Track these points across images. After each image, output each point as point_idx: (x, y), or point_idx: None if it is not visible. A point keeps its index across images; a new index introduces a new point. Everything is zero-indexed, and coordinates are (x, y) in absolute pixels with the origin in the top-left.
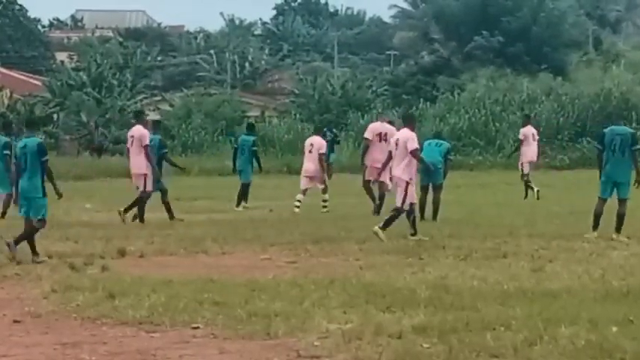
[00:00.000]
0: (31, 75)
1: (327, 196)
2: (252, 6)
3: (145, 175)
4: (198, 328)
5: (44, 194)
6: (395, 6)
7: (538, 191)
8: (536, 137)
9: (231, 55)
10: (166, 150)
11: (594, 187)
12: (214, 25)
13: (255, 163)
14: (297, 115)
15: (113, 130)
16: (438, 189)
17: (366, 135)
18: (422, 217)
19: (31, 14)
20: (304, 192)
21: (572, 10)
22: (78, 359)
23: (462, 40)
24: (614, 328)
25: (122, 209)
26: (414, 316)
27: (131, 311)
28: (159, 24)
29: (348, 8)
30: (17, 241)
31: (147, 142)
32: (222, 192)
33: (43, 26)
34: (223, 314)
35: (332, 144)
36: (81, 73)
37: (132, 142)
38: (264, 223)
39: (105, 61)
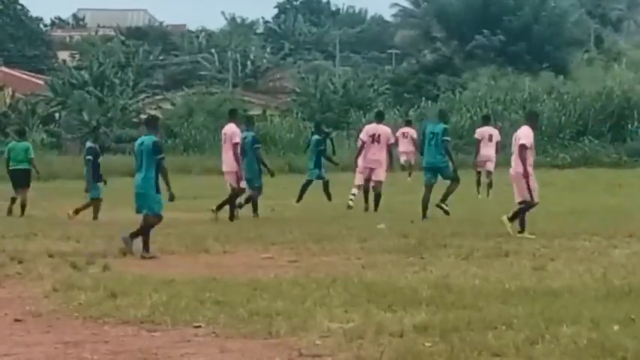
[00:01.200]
0: (33, 74)
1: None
2: (254, 5)
3: (237, 172)
4: (199, 327)
5: (158, 190)
6: (396, 4)
7: (488, 192)
8: (496, 138)
9: (233, 54)
10: (259, 146)
11: (596, 185)
12: (216, 24)
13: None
14: (299, 114)
15: (115, 129)
16: (452, 182)
17: (361, 136)
18: (424, 216)
19: (33, 13)
20: (359, 187)
21: (573, 8)
22: (79, 358)
23: (464, 39)
24: (616, 327)
25: (214, 207)
26: (415, 315)
27: (133, 310)
28: (160, 23)
29: (349, 7)
30: (133, 236)
31: (237, 140)
32: (224, 191)
33: (45, 25)
34: (225, 313)
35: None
36: (83, 72)
37: (224, 139)
38: (266, 222)
39: (107, 60)
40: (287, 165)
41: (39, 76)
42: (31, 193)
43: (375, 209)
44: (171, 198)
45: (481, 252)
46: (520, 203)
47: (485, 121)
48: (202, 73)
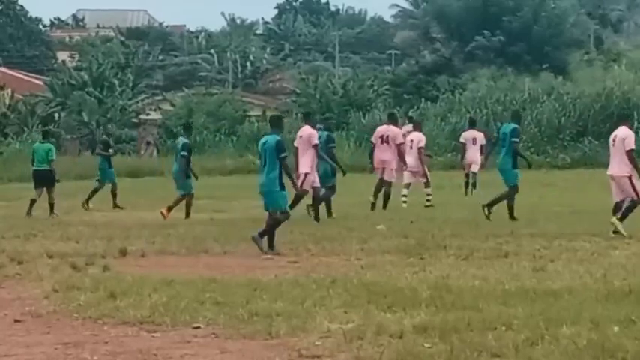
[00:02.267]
0: (32, 74)
1: (429, 190)
2: (254, 5)
3: (307, 174)
4: (199, 327)
5: (282, 188)
6: (396, 5)
7: (472, 191)
8: (480, 142)
9: (233, 55)
10: (334, 145)
11: (596, 186)
12: (216, 24)
13: None
14: (299, 115)
15: (114, 129)
16: (510, 188)
17: (372, 139)
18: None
19: (33, 14)
20: (408, 186)
21: (573, 9)
22: (79, 359)
23: (463, 40)
24: (616, 328)
25: (309, 205)
26: (415, 315)
27: (132, 311)
28: (160, 23)
29: (349, 7)
30: (262, 234)
31: (316, 141)
32: (224, 192)
33: (45, 26)
34: (225, 314)
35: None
36: (82, 73)
37: (301, 142)
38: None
39: (106, 60)
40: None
41: (38, 76)
42: (30, 194)
43: (384, 207)
44: (297, 191)
45: (481, 253)
46: (618, 203)
47: (471, 124)
48: (202, 73)
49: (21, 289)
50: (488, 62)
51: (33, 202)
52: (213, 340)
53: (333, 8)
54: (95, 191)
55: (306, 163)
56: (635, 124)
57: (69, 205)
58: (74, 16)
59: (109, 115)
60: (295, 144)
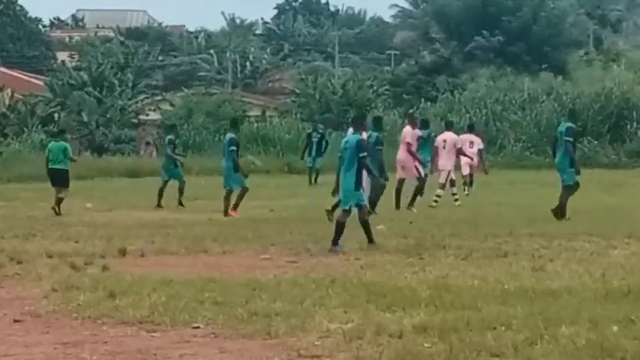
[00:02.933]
0: (32, 74)
1: (442, 192)
2: (254, 5)
3: (416, 166)
4: (198, 327)
5: (357, 187)
6: (395, 5)
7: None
8: (478, 146)
9: (232, 55)
10: (382, 147)
11: (595, 186)
12: (215, 24)
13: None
14: (298, 115)
15: (114, 129)
16: (565, 188)
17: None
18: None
19: (32, 14)
20: (443, 186)
21: (572, 9)
22: (78, 359)
23: (463, 40)
24: (615, 328)
25: (408, 204)
26: (414, 315)
27: (132, 311)
28: (160, 24)
29: (349, 8)
30: (370, 239)
31: (409, 139)
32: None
33: (44, 26)
34: (224, 314)
35: (319, 145)
36: (82, 73)
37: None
38: (265, 222)
39: (106, 60)
40: (286, 166)
41: (38, 76)
42: (29, 194)
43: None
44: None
45: (480, 252)
46: None
47: (470, 129)
48: (201, 73)
49: (20, 289)
50: (488, 62)
51: (59, 200)
52: (212, 340)
53: (332, 8)
54: (161, 191)
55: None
56: (635, 124)
57: (67, 205)
58: (74, 17)
59: (108, 115)
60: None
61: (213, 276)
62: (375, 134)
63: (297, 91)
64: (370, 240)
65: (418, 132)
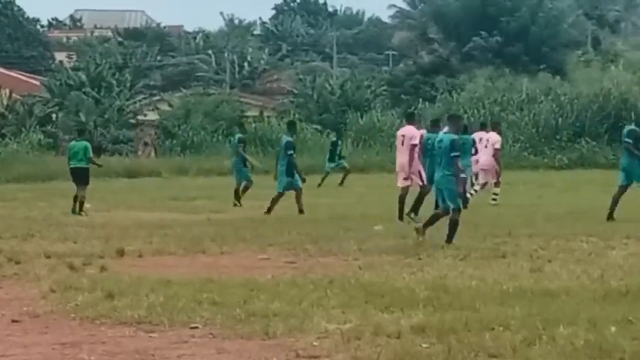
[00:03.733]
0: (30, 75)
1: (498, 190)
2: (252, 6)
3: (419, 171)
4: (196, 328)
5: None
6: (393, 6)
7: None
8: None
9: (230, 55)
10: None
11: (593, 187)
12: (214, 25)
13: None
14: (296, 115)
15: (112, 130)
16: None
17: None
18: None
19: (30, 14)
20: (484, 185)
21: (570, 10)
22: (76, 359)
23: (461, 40)
24: (613, 328)
25: (408, 212)
26: (412, 316)
27: (130, 311)
28: (158, 24)
29: (347, 8)
30: (451, 236)
31: (416, 142)
32: (221, 192)
33: (42, 26)
34: (222, 314)
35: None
36: (80, 73)
37: (402, 140)
38: (263, 223)
39: (104, 61)
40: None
41: (36, 77)
42: (27, 194)
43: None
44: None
45: (478, 253)
46: None
47: (483, 126)
48: (199, 74)
49: (18, 290)
50: (486, 63)
51: (76, 198)
52: (210, 341)
53: (330, 9)
54: (237, 191)
55: (405, 162)
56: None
57: (66, 205)
58: (72, 17)
59: (106, 116)
60: (396, 143)
61: (211, 276)
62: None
63: (295, 91)
64: (449, 239)
65: (423, 132)
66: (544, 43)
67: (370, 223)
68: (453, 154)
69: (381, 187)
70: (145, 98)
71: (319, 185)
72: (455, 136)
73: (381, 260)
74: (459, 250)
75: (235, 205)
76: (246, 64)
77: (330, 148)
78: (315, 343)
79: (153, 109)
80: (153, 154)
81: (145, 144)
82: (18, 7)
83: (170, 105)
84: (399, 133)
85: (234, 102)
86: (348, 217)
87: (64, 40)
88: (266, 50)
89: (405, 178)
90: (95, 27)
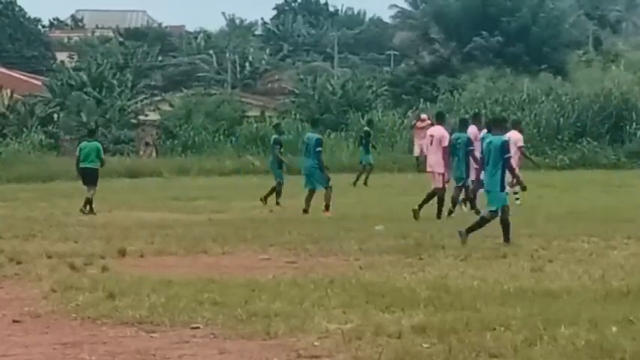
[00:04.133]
0: (31, 75)
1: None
2: (253, 6)
3: (442, 174)
4: (198, 328)
5: (502, 188)
6: (395, 6)
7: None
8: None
9: (231, 55)
10: (473, 148)
11: (594, 187)
12: (215, 25)
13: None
14: (297, 115)
15: (113, 130)
16: None
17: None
18: None
19: (32, 14)
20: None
21: (571, 10)
22: (77, 359)
23: (462, 40)
24: (614, 328)
25: (417, 206)
26: (413, 315)
27: (131, 311)
28: (159, 24)
29: (348, 8)
30: (506, 236)
31: (446, 143)
32: (222, 192)
33: (44, 26)
34: (223, 314)
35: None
36: (81, 73)
37: (431, 141)
38: (264, 223)
39: (105, 61)
40: (285, 166)
41: (37, 77)
42: (29, 194)
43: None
44: (523, 187)
45: (479, 253)
46: None
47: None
48: (201, 74)
49: (19, 290)
50: (487, 63)
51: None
52: (211, 341)
53: (331, 9)
54: (275, 190)
55: (437, 163)
56: (634, 125)
57: (68, 206)
58: (73, 17)
59: (107, 116)
60: (426, 142)
61: (212, 276)
62: (465, 136)
63: (297, 91)
64: (506, 239)
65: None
66: (545, 43)
67: (371, 223)
68: (505, 156)
69: (382, 187)
70: (146, 98)
71: (365, 183)
72: (506, 138)
73: (382, 260)
74: (459, 250)
75: (278, 204)
76: (247, 64)
77: (364, 141)
78: (316, 343)
79: (154, 110)
80: (154, 154)
81: (146, 144)
82: (19, 7)
83: (171, 105)
84: (428, 133)
85: (235, 102)
86: (348, 217)
87: (65, 40)
88: (267, 50)
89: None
90: (96, 27)
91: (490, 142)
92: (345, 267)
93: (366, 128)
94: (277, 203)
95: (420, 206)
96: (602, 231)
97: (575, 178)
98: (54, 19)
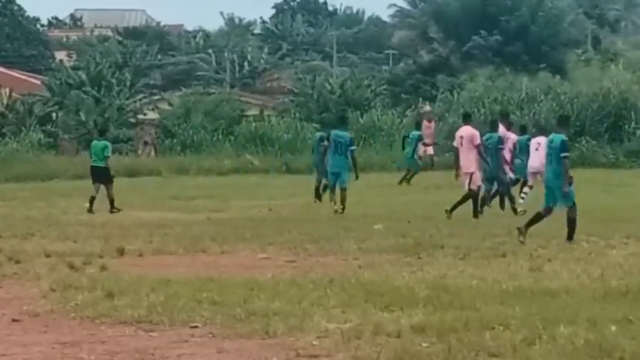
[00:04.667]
0: (30, 74)
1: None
2: (252, 5)
3: (472, 173)
4: (196, 327)
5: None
6: (394, 5)
7: None
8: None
9: (230, 55)
10: (503, 147)
11: (593, 186)
12: (214, 24)
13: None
14: (296, 115)
15: (112, 129)
16: None
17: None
18: None
19: (31, 13)
20: (530, 187)
21: (570, 9)
22: (76, 358)
23: (461, 40)
24: (613, 328)
25: (448, 208)
26: (412, 315)
27: (130, 310)
28: (158, 23)
29: (347, 7)
30: (570, 234)
31: (478, 141)
32: (221, 191)
33: (42, 25)
34: (222, 313)
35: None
36: (80, 72)
37: (462, 142)
38: (264, 222)
39: (104, 60)
40: (284, 165)
41: (36, 76)
42: (27, 193)
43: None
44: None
45: (478, 252)
46: None
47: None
48: (200, 73)
49: (18, 289)
50: (486, 62)
51: (92, 199)
52: (210, 340)
53: (330, 8)
54: (317, 189)
55: (469, 164)
56: (633, 124)
57: (67, 205)
58: (72, 16)
59: (106, 115)
60: (455, 144)
61: (211, 276)
62: (496, 135)
63: (296, 90)
64: (570, 237)
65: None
66: (544, 43)
67: (370, 222)
68: (562, 155)
69: (382, 187)
70: (145, 97)
71: (409, 183)
72: (565, 137)
73: (381, 259)
74: (458, 249)
75: (315, 202)
76: (246, 63)
77: (406, 141)
78: (315, 343)
79: (153, 109)
80: (153, 153)
81: (145, 143)
82: (18, 6)
83: (170, 104)
84: (458, 134)
85: (234, 101)
86: (348, 217)
87: (64, 39)
88: (266, 49)
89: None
90: (95, 26)
91: (551, 141)
92: (345, 266)
93: (418, 132)
94: (316, 201)
95: (454, 207)
96: (602, 230)
97: (575, 177)
98: (53, 18)
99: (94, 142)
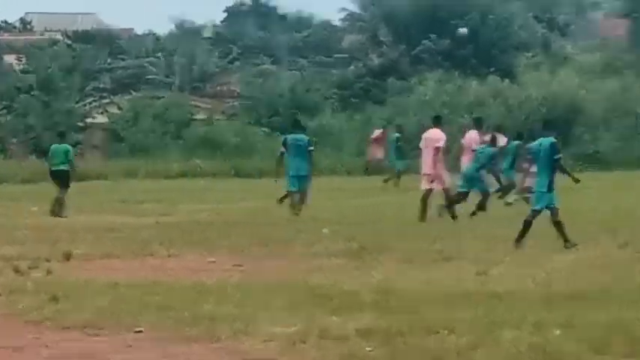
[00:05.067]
0: None
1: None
2: (203, 7)
3: (433, 175)
4: (141, 332)
5: (549, 189)
6: (344, 9)
7: None
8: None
9: (180, 58)
10: (495, 162)
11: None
12: (164, 28)
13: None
14: (246, 118)
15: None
16: None
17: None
18: None
19: None
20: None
21: (521, 12)
22: None
23: (411, 43)
24: (557, 331)
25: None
26: (359, 319)
27: (75, 314)
28: (108, 27)
29: (297, 11)
30: (563, 236)
31: (440, 144)
32: (170, 195)
33: None
34: (169, 317)
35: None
36: (29, 76)
37: (426, 143)
38: (211, 226)
39: (53, 63)
40: (232, 169)
41: None
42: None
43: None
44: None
45: (425, 256)
46: None
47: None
48: (149, 77)
49: None
50: (436, 65)
51: (57, 200)
52: (156, 344)
53: (281, 12)
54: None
55: (430, 165)
56: (581, 128)
57: (14, 207)
58: (22, 20)
59: (55, 119)
60: (420, 145)
61: (158, 279)
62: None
63: (245, 94)
64: (566, 240)
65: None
66: (494, 46)
67: (320, 226)
68: (555, 157)
69: (331, 190)
70: (94, 101)
71: (386, 182)
72: (554, 139)
73: (329, 263)
74: (406, 252)
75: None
76: (195, 67)
77: (396, 145)
78: (260, 347)
79: (102, 112)
80: (101, 157)
81: (94, 147)
82: None
83: (119, 108)
84: (424, 136)
85: (183, 105)
86: (296, 220)
87: (14, 42)
88: (216, 53)
89: (431, 181)
90: (45, 30)
91: (540, 144)
92: (292, 270)
93: (397, 134)
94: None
95: (449, 207)
96: (548, 234)
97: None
98: (2, 21)
99: (54, 146)
